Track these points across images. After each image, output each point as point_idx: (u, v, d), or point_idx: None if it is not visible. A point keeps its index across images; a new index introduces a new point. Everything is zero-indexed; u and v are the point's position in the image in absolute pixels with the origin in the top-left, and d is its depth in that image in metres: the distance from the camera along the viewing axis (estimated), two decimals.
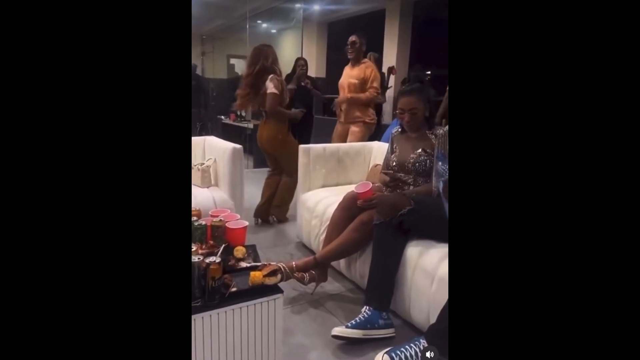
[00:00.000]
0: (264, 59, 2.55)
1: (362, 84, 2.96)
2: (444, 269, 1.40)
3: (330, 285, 1.89)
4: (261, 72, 2.55)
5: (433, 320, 1.36)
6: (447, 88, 3.03)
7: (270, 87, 2.52)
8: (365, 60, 3.04)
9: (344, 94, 3.06)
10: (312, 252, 2.19)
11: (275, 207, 2.79)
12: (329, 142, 3.17)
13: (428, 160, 1.74)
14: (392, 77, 4.62)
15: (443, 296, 1.35)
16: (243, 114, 5.70)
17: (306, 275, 1.68)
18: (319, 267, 1.72)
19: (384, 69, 4.68)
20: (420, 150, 1.77)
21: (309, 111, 4.27)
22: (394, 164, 1.85)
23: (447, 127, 1.67)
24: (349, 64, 3.07)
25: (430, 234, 1.55)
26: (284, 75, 4.04)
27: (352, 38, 2.96)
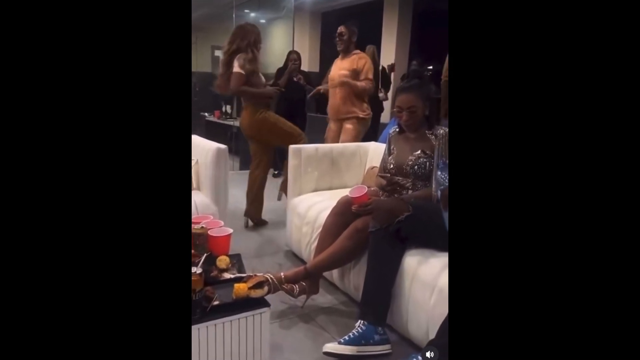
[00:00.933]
0: (240, 40, 2.59)
1: (354, 76, 2.96)
2: (444, 279, 1.40)
3: (322, 298, 1.88)
4: (235, 53, 2.59)
5: (432, 335, 1.36)
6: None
7: (235, 66, 2.55)
8: (357, 51, 3.05)
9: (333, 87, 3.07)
10: (302, 261, 2.19)
11: (283, 183, 2.78)
12: (322, 141, 3.18)
13: (428, 163, 1.74)
14: (392, 75, 4.65)
15: (443, 309, 1.35)
16: (229, 110, 5.68)
17: (296, 287, 1.67)
18: (310, 278, 1.72)
19: (383, 63, 4.71)
20: (419, 151, 1.77)
21: (301, 108, 4.28)
22: (392, 166, 1.85)
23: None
24: (339, 57, 3.09)
25: (429, 242, 1.56)
26: (274, 69, 4.03)
27: (341, 29, 3.00)
